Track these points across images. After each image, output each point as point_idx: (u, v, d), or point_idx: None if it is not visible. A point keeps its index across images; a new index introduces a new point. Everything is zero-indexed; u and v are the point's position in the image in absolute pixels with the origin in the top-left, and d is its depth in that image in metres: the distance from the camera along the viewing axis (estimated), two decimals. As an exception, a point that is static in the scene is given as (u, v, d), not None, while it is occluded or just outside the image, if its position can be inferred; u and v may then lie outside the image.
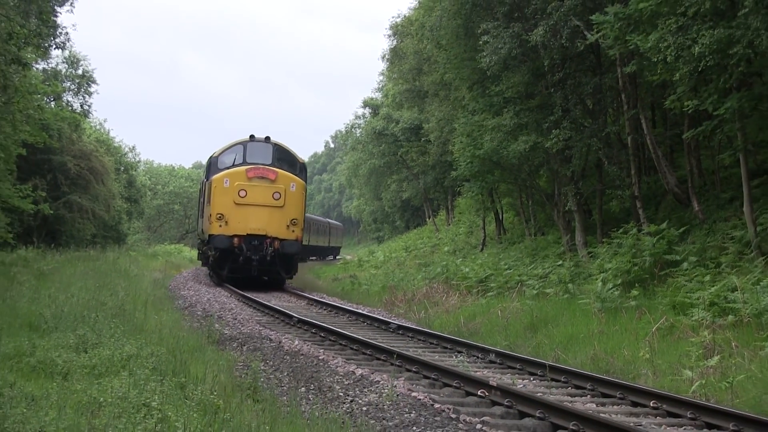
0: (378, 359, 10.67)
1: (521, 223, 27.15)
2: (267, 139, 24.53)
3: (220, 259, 23.29)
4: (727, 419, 7.22)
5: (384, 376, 8.99)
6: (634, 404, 8.21)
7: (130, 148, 60.98)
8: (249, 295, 19.79)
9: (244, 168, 23.41)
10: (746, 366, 9.10)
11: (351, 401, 7.96)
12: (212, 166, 24.83)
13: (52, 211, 34.82)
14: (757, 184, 15.30)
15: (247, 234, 22.80)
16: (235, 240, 22.68)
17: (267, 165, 23.69)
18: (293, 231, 23.29)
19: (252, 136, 24.46)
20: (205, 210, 24.79)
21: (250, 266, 22.80)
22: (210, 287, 23.31)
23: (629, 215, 18.72)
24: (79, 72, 42.22)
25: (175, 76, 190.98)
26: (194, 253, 45.70)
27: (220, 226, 22.82)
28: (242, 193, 22.92)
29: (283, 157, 24.67)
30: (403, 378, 9.14)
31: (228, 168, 23.84)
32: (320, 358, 10.30)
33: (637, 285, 14.25)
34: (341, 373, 9.18)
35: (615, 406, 8.20)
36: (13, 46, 18.20)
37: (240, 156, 24.21)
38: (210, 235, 23.25)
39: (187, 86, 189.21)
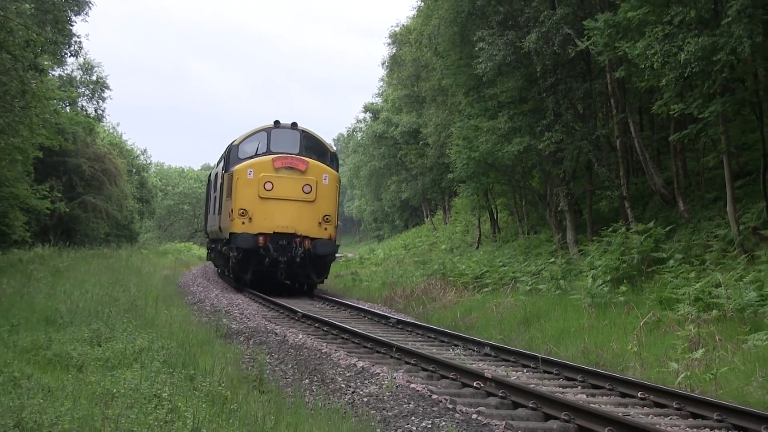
0: (378, 352, 10.66)
1: (515, 222, 27.15)
2: (294, 125, 21.01)
3: (243, 261, 19.68)
4: (711, 409, 7.22)
5: (384, 368, 8.97)
6: (623, 395, 8.21)
7: (141, 151, 61.22)
8: (255, 292, 19.71)
9: (270, 157, 19.93)
10: (729, 358, 9.11)
11: (352, 392, 7.95)
12: (232, 155, 21.14)
13: (67, 210, 34.86)
14: (740, 185, 15.30)
15: (274, 232, 19.45)
16: (260, 239, 19.28)
17: (295, 154, 20.30)
18: (326, 229, 19.86)
19: (277, 122, 20.98)
20: (224, 205, 21.09)
21: (276, 269, 19.48)
22: (218, 284, 23.23)
23: (618, 215, 18.71)
24: (93, 78, 42.34)
25: (183, 83, 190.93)
26: (203, 251, 45.62)
27: (243, 223, 19.39)
28: (268, 186, 19.45)
29: (312, 146, 21.12)
30: (402, 370, 9.13)
31: (251, 157, 20.43)
32: (323, 351, 10.28)
33: (625, 281, 14.25)
34: (343, 366, 9.17)
35: (604, 397, 8.20)
36: (30, 53, 18.17)
37: (264, 144, 20.67)
38: (231, 234, 19.65)
39: (194, 92, 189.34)
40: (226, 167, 21.32)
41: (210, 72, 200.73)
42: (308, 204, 19.73)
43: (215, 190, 24.40)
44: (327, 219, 19.87)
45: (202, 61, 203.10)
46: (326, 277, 21.42)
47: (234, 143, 21.42)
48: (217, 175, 24.45)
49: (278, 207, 19.49)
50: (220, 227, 21.85)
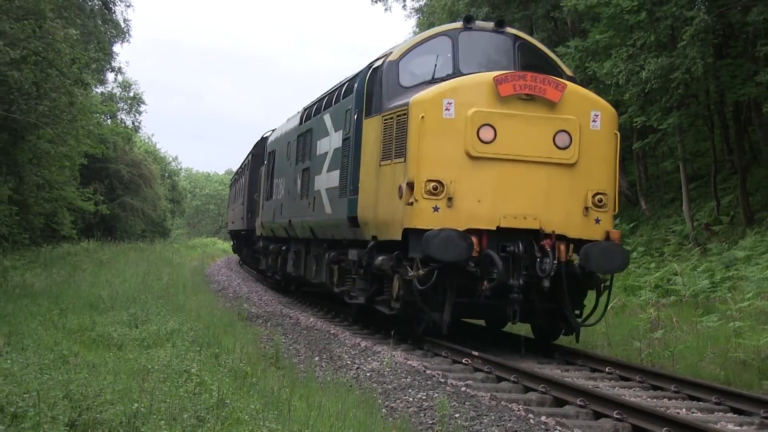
0: (379, 333, 10.64)
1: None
2: (500, 24, 9.33)
3: (437, 285, 8.07)
4: (669, 382, 7.22)
5: (384, 347, 8.96)
6: (593, 370, 8.18)
7: (173, 158, 61.35)
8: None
9: (488, 75, 8.15)
10: (685, 338, 9.11)
11: (357, 368, 7.93)
12: (386, 80, 9.10)
13: (108, 211, 34.86)
14: (694, 186, 15.32)
15: (498, 228, 7.98)
16: (475, 242, 7.78)
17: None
18: (598, 220, 8.20)
19: (468, 19, 9.35)
20: (379, 176, 8.89)
21: (504, 301, 8.01)
22: (239, 274, 23.07)
23: (588, 213, 18.68)
24: (131, 94, 42.32)
25: (204, 98, 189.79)
26: (226, 245, 45.38)
27: (436, 209, 7.90)
28: (487, 134, 7.96)
29: (536, 64, 9.07)
30: (400, 349, 9.10)
31: (429, 82, 8.80)
32: (331, 332, 10.26)
33: (594, 271, 14.21)
34: (349, 345, 9.15)
35: (577, 372, 8.17)
36: (76, 68, 18.19)
37: (446, 59, 9.08)
38: (408, 230, 8.08)
39: (214, 106, 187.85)
40: (374, 105, 9.29)
41: (229, 91, 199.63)
42: (565, 170, 8.19)
43: (299, 160, 13.36)
44: (600, 201, 8.25)
45: (220, 80, 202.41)
46: (600, 319, 8.85)
47: (389, 58, 9.27)
48: (304, 135, 13.11)
49: (506, 176, 8.11)
50: (357, 219, 9.54)
